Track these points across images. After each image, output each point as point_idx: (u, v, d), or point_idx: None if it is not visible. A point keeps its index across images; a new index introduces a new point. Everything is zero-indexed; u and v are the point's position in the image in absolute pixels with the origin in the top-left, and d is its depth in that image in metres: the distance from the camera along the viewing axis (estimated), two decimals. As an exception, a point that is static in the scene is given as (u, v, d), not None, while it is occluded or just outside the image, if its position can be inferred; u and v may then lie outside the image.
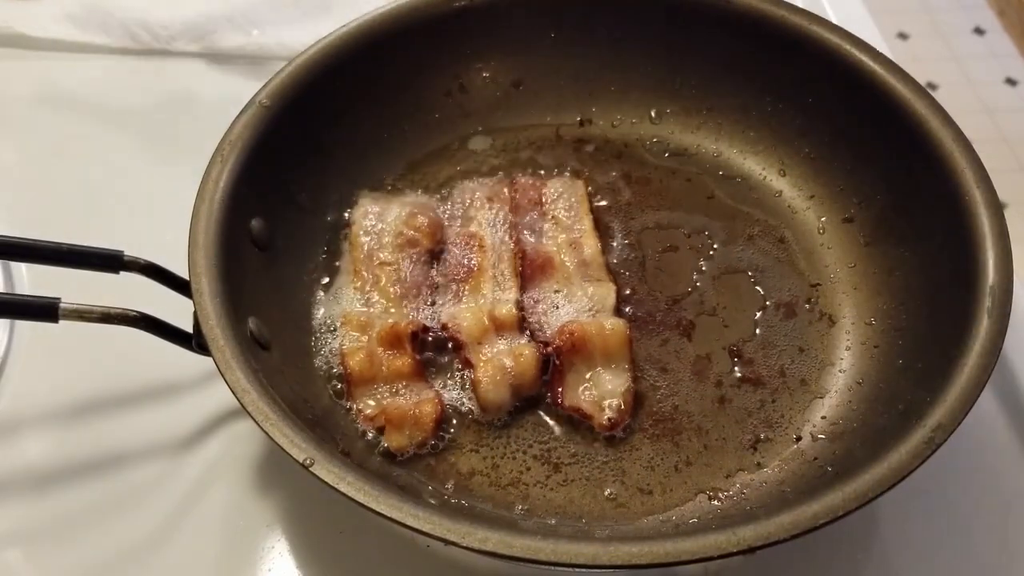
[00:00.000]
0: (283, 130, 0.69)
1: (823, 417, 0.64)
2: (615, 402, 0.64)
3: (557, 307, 0.69)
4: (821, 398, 0.65)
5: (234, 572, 0.62)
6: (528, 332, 0.68)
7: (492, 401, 0.64)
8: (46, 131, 0.89)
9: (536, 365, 0.65)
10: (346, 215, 0.74)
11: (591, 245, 0.73)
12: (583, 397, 0.64)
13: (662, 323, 0.70)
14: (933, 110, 0.67)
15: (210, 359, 0.56)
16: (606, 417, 0.63)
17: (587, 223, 0.74)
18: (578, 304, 0.69)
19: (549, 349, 0.65)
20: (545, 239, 0.73)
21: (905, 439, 0.52)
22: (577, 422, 0.64)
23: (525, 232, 0.74)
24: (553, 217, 0.75)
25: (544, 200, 0.76)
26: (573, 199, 0.76)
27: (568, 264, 0.71)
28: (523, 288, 0.70)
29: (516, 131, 0.82)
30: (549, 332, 0.67)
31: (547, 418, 0.65)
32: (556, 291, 0.70)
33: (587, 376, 0.65)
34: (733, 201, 0.77)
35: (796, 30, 0.74)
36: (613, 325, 0.66)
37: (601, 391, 0.64)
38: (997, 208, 0.61)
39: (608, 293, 0.69)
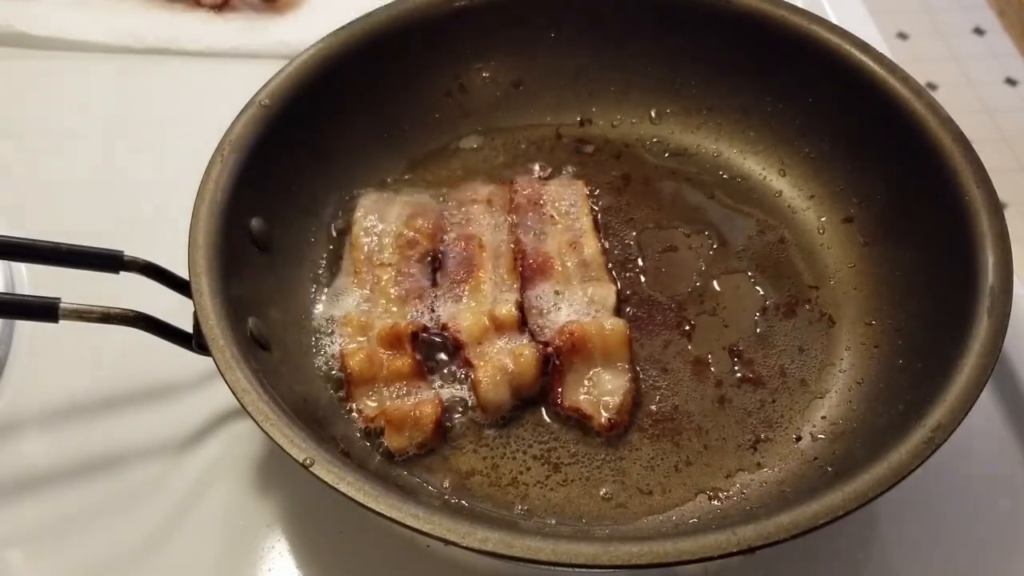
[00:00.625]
0: (283, 130, 0.69)
1: (823, 417, 0.64)
2: (615, 402, 0.64)
3: (557, 307, 0.69)
4: (821, 398, 0.65)
5: (234, 572, 0.62)
6: (528, 332, 0.68)
7: (492, 401, 0.64)
8: (46, 131, 0.89)
9: (536, 365, 0.65)
10: (346, 215, 0.74)
11: (591, 245, 0.73)
12: (583, 397, 0.64)
13: (662, 323, 0.70)
14: (933, 110, 0.67)
15: (210, 359, 0.56)
16: (605, 417, 0.63)
17: (587, 223, 0.74)
18: (578, 304, 0.69)
19: (549, 349, 0.65)
20: (545, 239, 0.73)
21: (905, 439, 0.52)
22: (577, 422, 0.64)
23: (525, 232, 0.74)
24: (553, 217, 0.75)
25: (544, 200, 0.75)
26: (573, 199, 0.76)
27: (568, 264, 0.71)
28: (523, 288, 0.70)
29: (516, 131, 0.81)
30: (549, 332, 0.67)
31: (547, 418, 0.65)
32: (556, 291, 0.70)
33: (587, 376, 0.65)
34: (733, 201, 0.77)
35: (796, 30, 0.74)
36: (613, 325, 0.66)
37: (601, 391, 0.64)
38: (997, 208, 0.61)
39: (608, 293, 0.69)
